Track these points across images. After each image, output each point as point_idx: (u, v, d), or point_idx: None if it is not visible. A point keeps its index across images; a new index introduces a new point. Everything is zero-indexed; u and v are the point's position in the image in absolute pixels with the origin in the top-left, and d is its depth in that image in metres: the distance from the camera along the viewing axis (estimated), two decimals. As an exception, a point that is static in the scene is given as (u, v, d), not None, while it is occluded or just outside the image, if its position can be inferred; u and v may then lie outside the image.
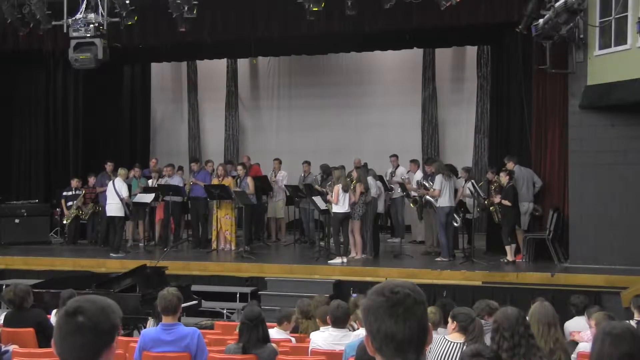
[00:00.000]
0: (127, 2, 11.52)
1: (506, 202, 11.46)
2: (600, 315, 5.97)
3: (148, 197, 13.63)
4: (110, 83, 16.64)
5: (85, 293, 6.80)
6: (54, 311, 6.95)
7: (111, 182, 13.20)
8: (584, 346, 5.63)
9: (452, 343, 4.78)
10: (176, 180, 14.07)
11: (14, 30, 13.03)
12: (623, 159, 10.95)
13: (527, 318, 4.57)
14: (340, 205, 11.62)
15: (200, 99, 18.90)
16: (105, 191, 13.57)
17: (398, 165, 14.66)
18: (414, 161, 14.26)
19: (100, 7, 11.27)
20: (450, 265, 11.51)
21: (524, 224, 11.88)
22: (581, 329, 6.63)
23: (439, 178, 11.80)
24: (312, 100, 17.68)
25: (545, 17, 10.12)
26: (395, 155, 14.80)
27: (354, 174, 12.10)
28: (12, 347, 6.04)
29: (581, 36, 10.86)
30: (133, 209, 13.55)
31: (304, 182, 14.08)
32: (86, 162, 15.73)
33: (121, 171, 13.34)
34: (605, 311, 6.53)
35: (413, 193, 12.92)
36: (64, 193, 14.63)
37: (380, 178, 13.17)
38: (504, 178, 11.63)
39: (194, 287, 10.21)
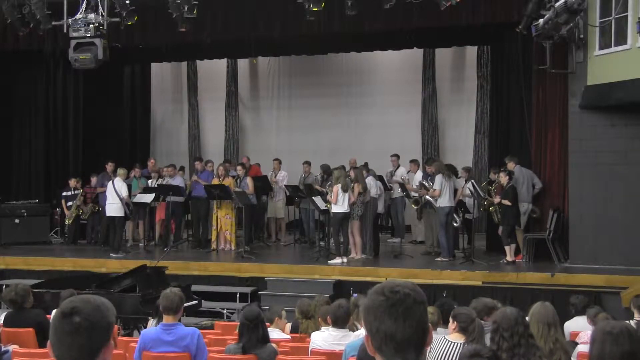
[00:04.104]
0: (127, 2, 11.51)
1: (506, 202, 11.46)
2: (601, 316, 5.98)
3: (148, 197, 13.62)
4: (110, 83, 16.65)
5: (85, 293, 6.79)
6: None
7: (111, 182, 13.19)
8: (584, 347, 5.62)
9: (452, 343, 4.78)
10: (178, 181, 14.08)
11: (14, 30, 13.03)
12: (623, 159, 10.94)
13: (527, 318, 4.57)
14: (340, 205, 11.61)
15: (200, 99, 18.90)
16: (105, 191, 13.56)
17: (399, 166, 14.63)
18: (414, 161, 14.25)
19: (100, 7, 11.25)
20: (450, 265, 11.50)
21: (522, 224, 11.87)
22: (581, 329, 6.61)
23: (439, 178, 11.79)
24: (312, 100, 17.68)
25: (545, 17, 10.12)
26: (396, 155, 14.78)
27: (352, 174, 12.10)
28: (12, 347, 6.04)
29: (581, 36, 10.87)
30: (133, 209, 13.56)
31: (304, 182, 14.08)
32: (86, 162, 15.72)
33: (121, 171, 13.34)
34: (605, 312, 6.54)
35: (413, 193, 12.92)
36: (64, 194, 14.63)
37: (380, 178, 13.16)
38: (503, 178, 11.64)
39: (194, 287, 10.19)
